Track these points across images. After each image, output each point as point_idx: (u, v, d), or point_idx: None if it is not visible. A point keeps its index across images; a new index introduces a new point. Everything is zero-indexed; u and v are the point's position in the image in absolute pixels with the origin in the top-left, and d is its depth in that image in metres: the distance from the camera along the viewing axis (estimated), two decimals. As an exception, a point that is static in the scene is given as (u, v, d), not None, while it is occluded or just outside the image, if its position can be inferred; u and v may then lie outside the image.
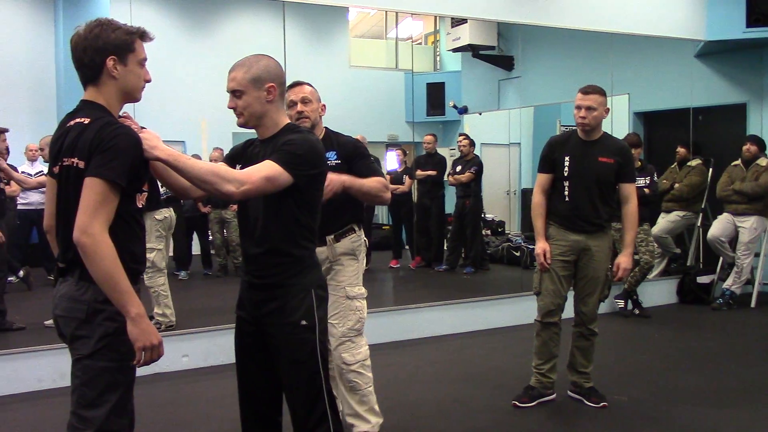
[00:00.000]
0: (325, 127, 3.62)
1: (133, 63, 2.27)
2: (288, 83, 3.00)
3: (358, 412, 3.49)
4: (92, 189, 2.07)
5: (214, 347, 5.17)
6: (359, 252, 3.59)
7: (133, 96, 2.32)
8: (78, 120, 2.19)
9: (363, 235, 3.65)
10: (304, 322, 2.50)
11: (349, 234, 3.54)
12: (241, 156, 2.65)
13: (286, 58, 6.04)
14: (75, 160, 2.14)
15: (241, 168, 2.47)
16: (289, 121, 2.61)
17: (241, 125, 2.57)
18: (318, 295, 2.56)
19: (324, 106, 3.58)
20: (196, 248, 8.83)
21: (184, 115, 9.35)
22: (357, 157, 3.51)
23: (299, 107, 3.43)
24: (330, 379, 3.41)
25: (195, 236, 8.74)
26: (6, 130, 5.98)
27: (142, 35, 2.29)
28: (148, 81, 2.34)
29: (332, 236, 3.48)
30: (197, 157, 8.59)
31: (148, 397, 4.52)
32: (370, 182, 3.43)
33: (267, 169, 2.35)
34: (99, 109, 2.22)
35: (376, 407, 3.56)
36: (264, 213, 2.49)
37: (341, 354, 3.45)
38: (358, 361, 3.47)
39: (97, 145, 2.10)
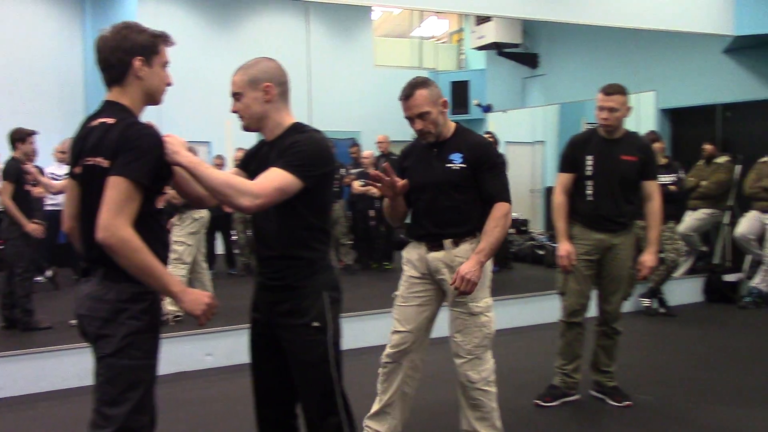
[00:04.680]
0: (456, 123, 3.37)
1: (158, 65, 2.31)
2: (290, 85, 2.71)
3: (477, 429, 3.34)
4: (116, 188, 2.11)
5: (237, 346, 5.13)
6: None
7: (155, 98, 2.35)
8: (102, 120, 2.23)
9: None
10: (315, 324, 2.50)
11: (469, 238, 3.26)
12: (254, 158, 2.65)
13: (311, 58, 6.08)
14: (99, 159, 2.18)
15: (255, 170, 2.48)
16: (295, 120, 2.59)
17: (244, 128, 2.58)
18: (331, 297, 2.56)
19: (445, 101, 3.27)
20: (220, 248, 8.89)
21: (209, 116, 9.39)
22: (485, 166, 3.23)
23: (417, 125, 3.22)
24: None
25: (219, 235, 8.81)
26: (35, 133, 6.06)
27: (166, 40, 2.35)
28: (170, 84, 2.38)
29: (450, 240, 3.27)
30: (221, 158, 8.72)
31: (172, 396, 4.57)
32: (494, 234, 3.16)
33: (278, 179, 2.35)
34: (123, 110, 2.26)
35: (499, 423, 3.38)
36: (276, 217, 2.50)
37: (466, 371, 3.29)
38: (483, 378, 3.29)
39: (122, 144, 2.14)
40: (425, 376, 3.54)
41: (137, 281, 2.16)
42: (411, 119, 3.24)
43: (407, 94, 3.20)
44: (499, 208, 3.21)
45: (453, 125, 3.33)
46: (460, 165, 3.22)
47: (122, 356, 2.18)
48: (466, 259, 3.19)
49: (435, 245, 3.30)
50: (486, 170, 3.23)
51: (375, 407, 3.46)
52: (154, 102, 2.36)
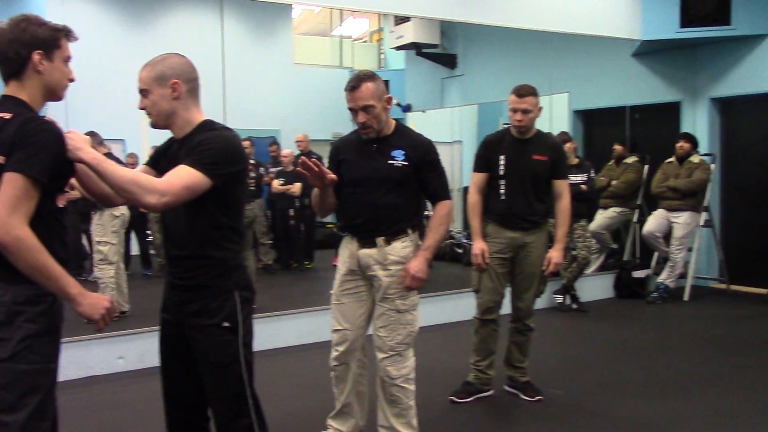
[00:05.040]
0: (396, 121, 3.37)
1: (59, 60, 2.23)
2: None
3: (393, 425, 3.37)
4: (12, 184, 2.02)
5: (150, 348, 5.02)
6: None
7: (56, 94, 2.27)
8: None
9: (418, 239, 3.36)
10: (226, 324, 2.47)
11: (401, 236, 3.29)
12: (164, 155, 2.59)
13: (225, 55, 5.98)
14: None
15: (165, 168, 2.43)
16: (204, 118, 2.54)
17: (152, 125, 2.52)
18: (242, 297, 2.52)
19: (390, 98, 3.28)
20: (135, 248, 8.66)
21: (124, 112, 9.10)
22: (428, 166, 3.30)
23: (360, 117, 3.21)
24: (332, 384, 3.40)
25: (134, 235, 8.58)
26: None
27: (68, 34, 2.26)
28: (72, 80, 2.30)
29: (383, 238, 3.28)
30: (134, 156, 8.50)
31: (83, 401, 4.45)
32: (438, 231, 3.28)
33: (186, 177, 2.31)
34: (21, 105, 2.17)
35: (414, 421, 3.41)
36: (184, 216, 2.45)
37: (386, 367, 3.32)
38: (403, 375, 3.33)
39: (20, 139, 2.06)
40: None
41: (34, 282, 2.08)
42: (354, 111, 3.22)
43: (354, 86, 3.19)
44: (443, 207, 3.32)
45: (393, 122, 3.35)
46: (402, 162, 3.25)
47: (19, 361, 2.09)
48: (398, 257, 3.24)
49: (367, 242, 3.31)
50: (429, 170, 3.30)
51: (335, 408, 3.51)
52: (55, 98, 2.27)
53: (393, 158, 3.26)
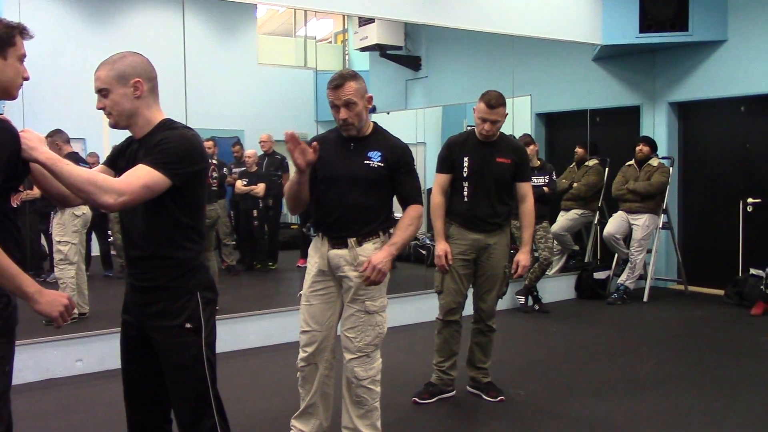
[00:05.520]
0: (374, 123, 3.39)
1: (13, 58, 2.18)
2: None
3: (357, 427, 3.36)
4: None
5: (110, 351, 4.97)
6: None
7: (10, 92, 2.22)
8: None
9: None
10: (188, 325, 2.44)
11: (372, 238, 3.29)
12: (122, 155, 2.55)
13: (187, 54, 5.93)
14: None
15: (124, 167, 2.40)
16: (164, 117, 2.50)
17: (112, 126, 2.48)
18: (205, 298, 2.50)
19: (371, 97, 3.28)
20: (95, 249, 8.54)
21: (84, 111, 8.98)
22: (403, 169, 3.31)
23: (343, 113, 3.21)
24: (319, 385, 3.38)
25: (94, 236, 8.46)
26: None
27: (23, 31, 2.21)
28: (27, 78, 2.24)
29: (354, 239, 3.28)
30: (95, 155, 8.39)
31: (40, 404, 4.38)
32: (408, 230, 3.27)
33: (144, 176, 2.28)
34: None
35: (378, 423, 3.42)
36: (143, 216, 2.42)
37: (354, 368, 3.31)
38: (370, 377, 3.33)
39: None
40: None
41: None
42: (336, 108, 3.23)
43: (338, 84, 3.20)
44: (414, 209, 3.33)
45: (371, 124, 3.36)
46: (378, 163, 3.26)
47: None
48: (368, 257, 3.22)
49: (338, 242, 3.30)
50: (404, 173, 3.32)
51: (300, 408, 3.47)
52: (8, 96, 2.22)
53: (369, 159, 3.26)
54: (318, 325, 3.37)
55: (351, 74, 3.25)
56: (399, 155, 3.31)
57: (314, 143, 3.04)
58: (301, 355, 3.40)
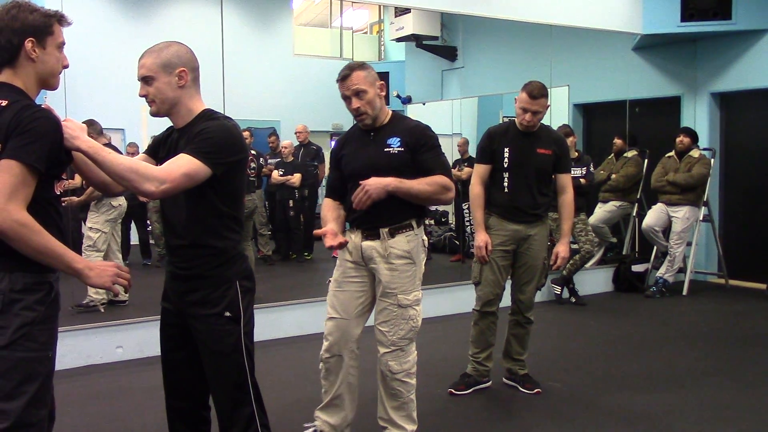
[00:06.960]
0: (393, 111, 3.35)
1: (52, 46, 2.21)
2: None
3: (393, 419, 3.35)
4: (8, 172, 2.01)
5: (149, 338, 5.07)
6: (417, 254, 3.29)
7: (50, 81, 2.25)
8: None
9: (423, 234, 3.33)
10: (227, 314, 2.47)
11: (406, 230, 3.25)
12: (163, 144, 2.59)
13: (225, 45, 5.97)
14: None
15: (164, 157, 2.42)
16: (205, 107, 2.53)
17: (153, 114, 2.51)
18: (243, 287, 2.52)
19: (382, 84, 3.26)
20: (134, 238, 8.67)
21: (124, 102, 9.09)
22: (423, 147, 3.21)
23: (354, 103, 3.19)
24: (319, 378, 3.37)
25: (134, 225, 8.58)
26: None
27: (60, 19, 2.23)
28: (66, 66, 2.28)
29: (387, 229, 3.23)
30: (135, 145, 8.50)
31: (82, 389, 4.45)
32: (422, 184, 3.14)
33: (186, 165, 2.30)
34: (17, 92, 2.15)
35: (414, 414, 3.40)
36: (185, 205, 2.45)
37: (388, 361, 3.28)
38: (405, 370, 3.30)
39: (15, 127, 2.04)
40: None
41: (31, 270, 2.09)
42: (348, 99, 3.21)
43: (344, 75, 3.19)
44: (439, 177, 3.19)
45: (390, 112, 3.33)
46: (398, 149, 3.21)
47: (16, 348, 2.09)
48: (401, 251, 3.22)
49: (370, 233, 3.27)
50: (426, 150, 3.22)
51: (324, 400, 3.44)
52: (49, 86, 2.25)
53: (389, 146, 3.23)
54: (345, 312, 3.34)
55: (358, 64, 3.23)
56: (418, 135, 3.24)
57: (344, 239, 3.13)
58: (325, 345, 3.37)
